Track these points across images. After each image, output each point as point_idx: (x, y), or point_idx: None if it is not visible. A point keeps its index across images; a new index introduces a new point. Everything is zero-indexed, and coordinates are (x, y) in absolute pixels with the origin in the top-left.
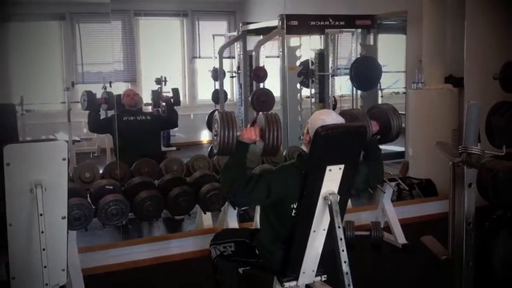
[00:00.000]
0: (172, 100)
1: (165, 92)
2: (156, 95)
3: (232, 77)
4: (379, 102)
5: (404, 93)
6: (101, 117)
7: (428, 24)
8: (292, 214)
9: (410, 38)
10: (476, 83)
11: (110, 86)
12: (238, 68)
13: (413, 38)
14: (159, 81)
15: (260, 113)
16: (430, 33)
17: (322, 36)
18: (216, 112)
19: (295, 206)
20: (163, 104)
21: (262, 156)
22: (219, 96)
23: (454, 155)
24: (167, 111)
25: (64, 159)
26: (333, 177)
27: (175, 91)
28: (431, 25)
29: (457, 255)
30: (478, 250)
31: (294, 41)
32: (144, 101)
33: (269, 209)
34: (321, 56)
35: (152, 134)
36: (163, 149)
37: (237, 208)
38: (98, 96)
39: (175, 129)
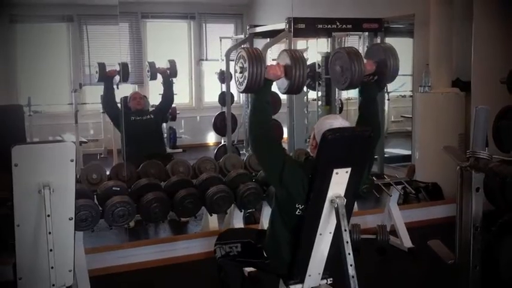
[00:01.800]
0: (168, 72)
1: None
2: (153, 66)
3: None
4: (386, 105)
5: (411, 96)
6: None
7: (435, 28)
8: (297, 213)
9: (418, 41)
10: (484, 87)
11: (117, 88)
12: None
13: (420, 42)
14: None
15: (283, 50)
16: (437, 36)
17: (329, 39)
18: (241, 49)
19: (300, 207)
20: (160, 75)
21: (286, 93)
22: (225, 98)
23: (462, 159)
24: (163, 85)
25: (72, 161)
26: (339, 181)
27: (172, 63)
28: (438, 28)
29: (464, 259)
30: (484, 254)
31: (301, 44)
32: (151, 103)
33: (279, 206)
34: (328, 59)
35: (155, 131)
36: (169, 150)
37: (243, 210)
38: None
39: (182, 131)
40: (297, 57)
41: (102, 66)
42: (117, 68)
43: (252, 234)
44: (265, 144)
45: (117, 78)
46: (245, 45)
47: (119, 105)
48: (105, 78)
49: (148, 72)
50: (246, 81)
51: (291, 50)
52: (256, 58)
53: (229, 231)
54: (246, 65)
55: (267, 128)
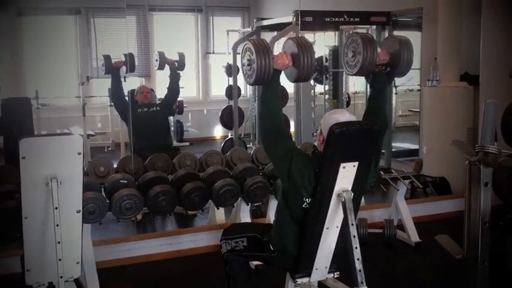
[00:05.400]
0: (176, 64)
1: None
2: (162, 56)
3: None
4: (393, 99)
5: (419, 90)
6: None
7: (443, 22)
8: (304, 206)
9: (426, 35)
10: (492, 81)
11: (124, 81)
12: None
13: (428, 35)
14: None
15: (288, 38)
16: (445, 30)
17: (336, 32)
18: (246, 41)
19: (307, 201)
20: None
21: (295, 82)
22: (232, 92)
23: (471, 153)
24: (169, 76)
25: (79, 153)
26: (346, 175)
27: (181, 55)
28: (447, 22)
29: (472, 254)
30: (493, 249)
31: (308, 37)
32: (158, 97)
33: (285, 200)
34: (335, 52)
35: (162, 123)
36: (176, 144)
37: (249, 204)
38: None
39: (189, 124)
40: (303, 44)
41: (107, 58)
42: (123, 59)
43: (257, 228)
44: (275, 138)
45: (123, 69)
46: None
47: (127, 98)
48: (112, 69)
49: (156, 61)
50: (254, 73)
51: (297, 37)
52: (263, 50)
53: (234, 226)
54: (253, 58)
55: (278, 120)
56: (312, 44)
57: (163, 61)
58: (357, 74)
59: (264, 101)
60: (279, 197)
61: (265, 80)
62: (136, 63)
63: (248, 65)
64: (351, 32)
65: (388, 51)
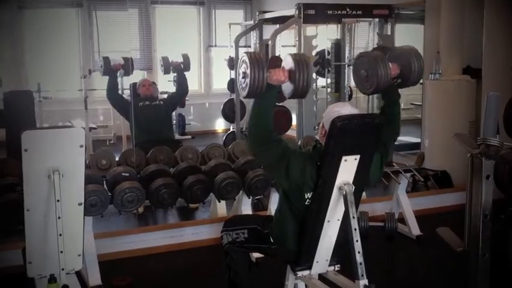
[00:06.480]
0: (182, 66)
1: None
2: (166, 60)
3: None
4: None
5: (421, 83)
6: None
7: (446, 15)
8: (306, 203)
9: (428, 28)
10: (495, 74)
11: (128, 75)
12: None
13: (431, 28)
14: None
15: (287, 54)
16: (448, 23)
17: (339, 25)
18: (243, 54)
19: (309, 196)
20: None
21: (291, 98)
22: (234, 85)
23: (473, 146)
24: (177, 78)
25: (81, 146)
26: (348, 168)
27: (185, 57)
28: (449, 15)
29: (473, 247)
30: (494, 242)
31: (310, 30)
32: (160, 90)
33: (286, 196)
34: (338, 45)
35: (165, 118)
36: (178, 137)
37: (251, 197)
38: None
39: (191, 117)
40: (300, 61)
41: (106, 60)
42: (122, 62)
43: (258, 220)
44: (264, 151)
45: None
46: (248, 50)
47: (127, 91)
48: (110, 72)
49: (161, 66)
50: (248, 87)
51: (295, 54)
52: (258, 63)
53: (235, 218)
54: (247, 71)
55: (269, 128)
56: (309, 62)
57: (168, 65)
58: (372, 93)
59: (258, 113)
60: (279, 195)
61: (257, 93)
62: (138, 57)
63: (243, 77)
64: (354, 25)
65: (397, 64)
